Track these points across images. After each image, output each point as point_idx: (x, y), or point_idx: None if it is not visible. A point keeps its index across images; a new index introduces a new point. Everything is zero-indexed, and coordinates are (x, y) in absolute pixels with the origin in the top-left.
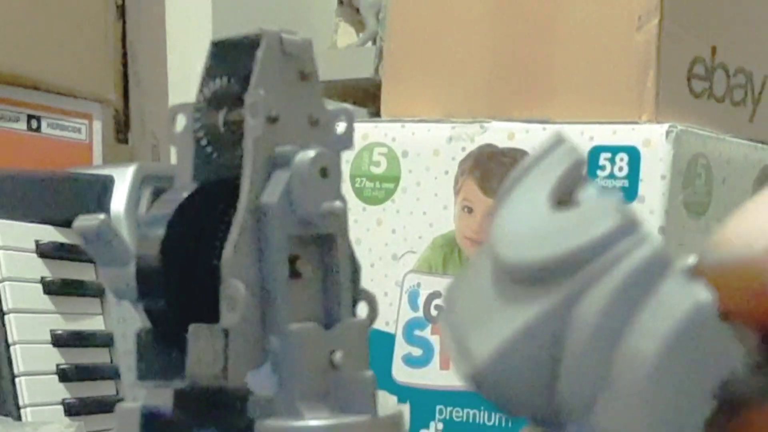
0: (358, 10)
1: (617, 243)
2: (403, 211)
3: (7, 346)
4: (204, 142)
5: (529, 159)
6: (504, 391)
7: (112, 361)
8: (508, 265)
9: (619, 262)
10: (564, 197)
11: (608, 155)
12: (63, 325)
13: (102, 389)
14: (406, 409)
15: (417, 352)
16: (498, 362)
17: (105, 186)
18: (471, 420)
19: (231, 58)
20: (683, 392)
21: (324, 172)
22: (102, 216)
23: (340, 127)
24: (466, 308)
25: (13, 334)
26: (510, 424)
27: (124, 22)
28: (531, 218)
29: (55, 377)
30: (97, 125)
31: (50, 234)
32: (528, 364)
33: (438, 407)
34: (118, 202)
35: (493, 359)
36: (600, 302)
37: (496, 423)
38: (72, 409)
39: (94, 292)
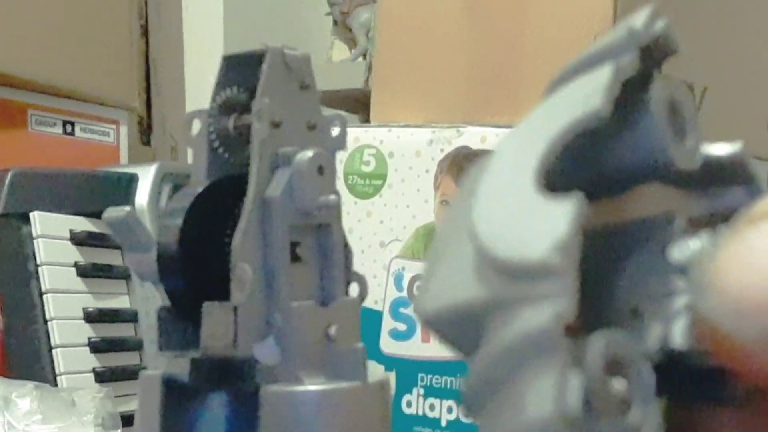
0: (350, 30)
1: (536, 281)
2: (390, 204)
3: (45, 321)
4: (216, 144)
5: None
6: (443, 341)
7: (136, 335)
8: (476, 241)
9: (528, 304)
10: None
11: None
12: (93, 303)
13: (128, 359)
14: (392, 376)
15: (402, 327)
16: (437, 319)
17: (130, 182)
18: (449, 386)
19: (240, 71)
20: None
21: (321, 170)
22: (128, 208)
23: (335, 131)
24: (436, 261)
25: (50, 311)
26: None
27: (147, 40)
28: (512, 192)
29: (87, 349)
30: (124, 130)
31: (82, 224)
32: (456, 332)
33: (420, 375)
34: (142, 196)
35: (434, 315)
36: (499, 341)
37: None
38: (101, 377)
39: (121, 274)
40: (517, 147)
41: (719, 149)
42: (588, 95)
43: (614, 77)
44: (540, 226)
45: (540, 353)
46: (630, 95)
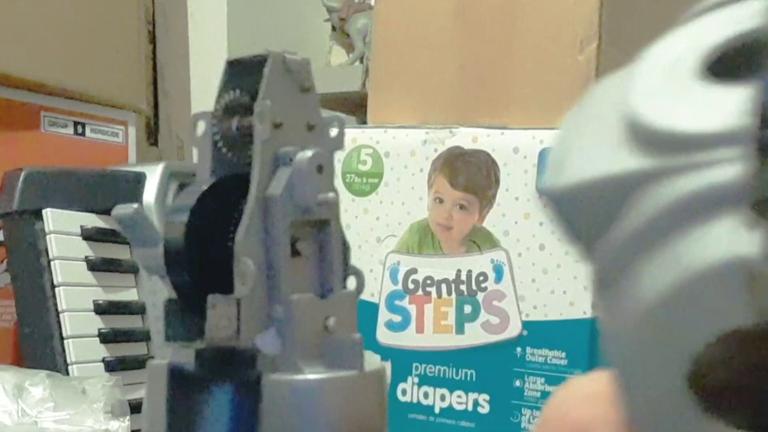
0: (348, 35)
1: (719, 147)
2: (386, 201)
3: (57, 313)
4: (220, 144)
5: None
6: (570, 219)
7: (144, 326)
8: (633, 117)
9: (701, 169)
10: (733, 62)
11: None
12: (103, 296)
13: (136, 349)
14: (388, 366)
15: (397, 318)
16: (574, 194)
17: (138, 181)
18: (441, 375)
19: (242, 75)
20: (667, 342)
21: (320, 169)
22: (136, 205)
23: (333, 131)
24: (575, 137)
25: (62, 304)
26: (474, 378)
27: (154, 45)
28: (673, 78)
29: (97, 339)
30: (132, 130)
31: (93, 220)
32: (592, 208)
33: (414, 364)
34: (149, 194)
35: (571, 189)
36: (654, 205)
37: (463, 377)
38: (111, 366)
39: (129, 268)
40: (676, 46)
41: None
42: (752, 15)
43: None
44: (713, 104)
45: (717, 207)
46: None
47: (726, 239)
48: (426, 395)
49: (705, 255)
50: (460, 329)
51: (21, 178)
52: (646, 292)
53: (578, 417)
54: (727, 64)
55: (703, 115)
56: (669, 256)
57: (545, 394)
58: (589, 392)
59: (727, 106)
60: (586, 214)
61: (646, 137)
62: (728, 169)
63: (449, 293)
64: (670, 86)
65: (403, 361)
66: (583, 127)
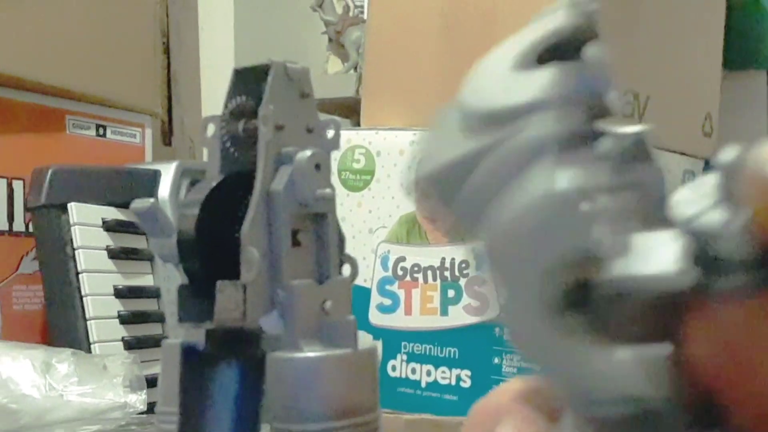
0: (343, 46)
1: (530, 114)
2: (377, 196)
3: (81, 297)
4: (228, 144)
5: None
6: (437, 200)
7: (159, 309)
8: (463, 108)
9: (518, 133)
10: (542, 57)
11: None
12: (122, 281)
13: (152, 330)
14: (379, 344)
15: (387, 302)
16: (431, 180)
17: (154, 178)
18: (427, 353)
19: (248, 82)
20: (529, 264)
21: (318, 167)
22: (152, 200)
23: (330, 133)
24: (429, 135)
25: (85, 289)
26: (457, 355)
27: (168, 56)
28: (493, 73)
29: (117, 320)
30: (148, 132)
31: (113, 213)
32: (448, 188)
33: (403, 343)
34: (164, 189)
35: (428, 176)
36: (490, 164)
37: (447, 355)
38: (129, 345)
39: (146, 257)
40: (499, 53)
41: (628, 128)
42: (554, 17)
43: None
44: (524, 84)
45: (535, 156)
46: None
47: (542, 180)
48: (413, 371)
49: (528, 192)
50: (444, 311)
51: (48, 175)
52: (494, 226)
53: (488, 407)
54: (541, 58)
55: (516, 93)
56: (505, 200)
57: (521, 370)
58: (504, 389)
59: (534, 84)
60: (445, 193)
61: (474, 122)
62: (539, 127)
63: (434, 279)
64: (491, 79)
65: (392, 340)
66: (434, 126)
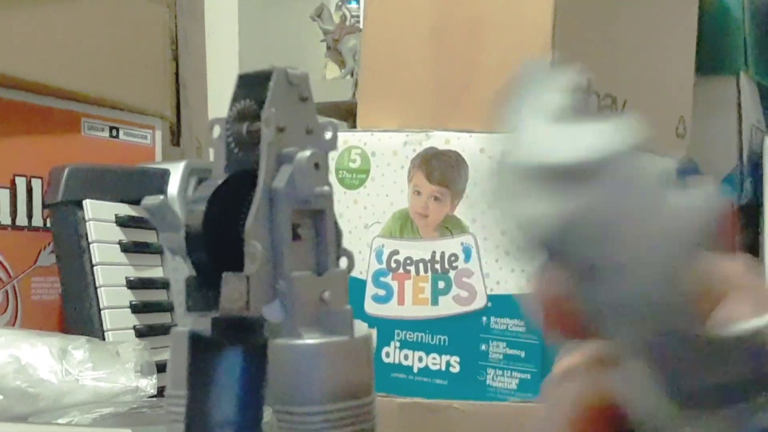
0: (340, 53)
1: (617, 160)
2: (372, 194)
3: (95, 288)
4: (233, 145)
5: (515, 89)
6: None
7: (168, 299)
8: (530, 166)
9: (628, 174)
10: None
11: None
12: (134, 273)
13: (162, 318)
14: (374, 332)
15: (381, 292)
16: (565, 229)
17: (163, 176)
18: (419, 340)
19: (251, 87)
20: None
21: (317, 166)
22: (162, 197)
23: (328, 134)
24: (501, 200)
25: (99, 280)
26: (447, 343)
27: (177, 62)
28: (539, 130)
29: (129, 310)
30: (158, 134)
31: (125, 209)
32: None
33: (396, 331)
34: (173, 187)
35: (563, 226)
36: (612, 207)
37: (437, 342)
38: (140, 333)
39: (156, 250)
40: (523, 108)
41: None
42: (569, 75)
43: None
44: (589, 135)
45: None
46: None
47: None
48: (406, 357)
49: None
50: (434, 301)
51: (65, 174)
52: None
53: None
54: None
55: (590, 145)
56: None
57: (507, 356)
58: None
59: (603, 135)
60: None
61: (550, 175)
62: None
63: (426, 271)
64: (543, 135)
65: (386, 328)
66: (494, 189)
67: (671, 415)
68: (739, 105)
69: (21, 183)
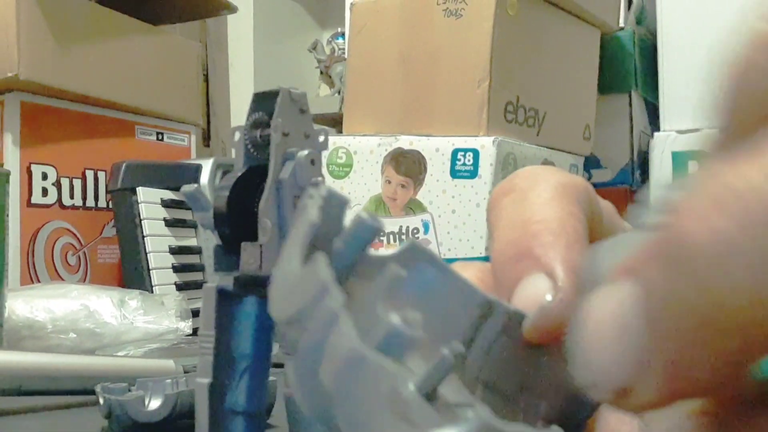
0: (330, 77)
1: (316, 306)
2: (354, 183)
3: (146, 254)
4: (249, 146)
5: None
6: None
7: (200, 262)
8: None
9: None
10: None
11: (463, 153)
12: (175, 242)
13: (195, 276)
14: None
15: None
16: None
17: (197, 169)
18: None
19: (263, 102)
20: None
21: (312, 162)
22: (196, 185)
23: (321, 138)
24: None
25: (148, 247)
26: None
27: (207, 84)
28: (286, 272)
29: (171, 270)
30: (193, 138)
31: (168, 194)
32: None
33: None
34: (204, 177)
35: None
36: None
37: None
38: (180, 287)
39: (191, 225)
40: (286, 251)
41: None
42: (309, 216)
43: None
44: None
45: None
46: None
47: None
48: None
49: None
50: None
51: (123, 168)
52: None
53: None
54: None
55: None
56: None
57: None
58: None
59: (314, 277)
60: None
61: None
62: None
63: (394, 240)
64: (286, 284)
65: None
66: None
67: None
68: (631, 116)
69: (90, 175)
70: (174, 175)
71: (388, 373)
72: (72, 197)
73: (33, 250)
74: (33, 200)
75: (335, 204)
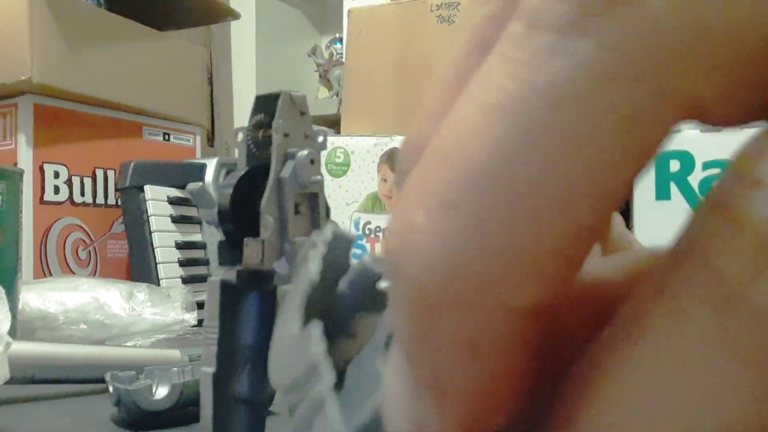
0: (329, 80)
1: (306, 383)
2: (352, 181)
3: (153, 249)
4: (252, 146)
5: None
6: None
7: (205, 256)
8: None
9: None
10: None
11: None
12: (181, 238)
13: (200, 270)
14: None
15: (358, 251)
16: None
17: (202, 168)
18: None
19: (265, 104)
20: None
21: (312, 161)
22: (201, 183)
23: (320, 138)
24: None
25: (156, 242)
26: None
27: (212, 87)
28: (285, 337)
29: (177, 264)
30: (198, 138)
31: (174, 192)
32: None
33: None
34: (209, 176)
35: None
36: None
37: None
38: (185, 281)
39: (196, 221)
40: (286, 314)
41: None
42: (309, 273)
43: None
44: (304, 345)
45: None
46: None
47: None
48: None
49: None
50: None
51: (131, 167)
52: None
53: None
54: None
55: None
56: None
57: None
58: None
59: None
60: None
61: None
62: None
63: None
64: (284, 353)
65: None
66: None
67: None
68: None
69: (100, 173)
70: (180, 173)
71: None
72: (83, 195)
73: (45, 246)
74: (45, 198)
75: (342, 244)
